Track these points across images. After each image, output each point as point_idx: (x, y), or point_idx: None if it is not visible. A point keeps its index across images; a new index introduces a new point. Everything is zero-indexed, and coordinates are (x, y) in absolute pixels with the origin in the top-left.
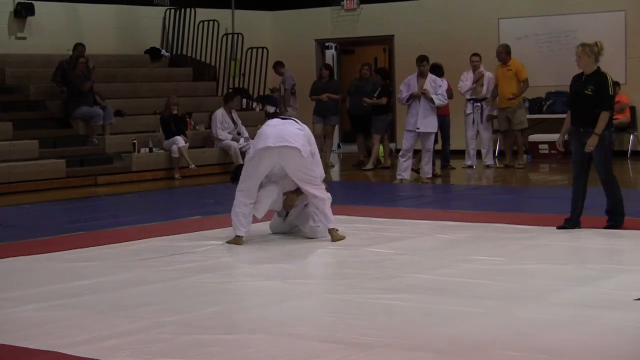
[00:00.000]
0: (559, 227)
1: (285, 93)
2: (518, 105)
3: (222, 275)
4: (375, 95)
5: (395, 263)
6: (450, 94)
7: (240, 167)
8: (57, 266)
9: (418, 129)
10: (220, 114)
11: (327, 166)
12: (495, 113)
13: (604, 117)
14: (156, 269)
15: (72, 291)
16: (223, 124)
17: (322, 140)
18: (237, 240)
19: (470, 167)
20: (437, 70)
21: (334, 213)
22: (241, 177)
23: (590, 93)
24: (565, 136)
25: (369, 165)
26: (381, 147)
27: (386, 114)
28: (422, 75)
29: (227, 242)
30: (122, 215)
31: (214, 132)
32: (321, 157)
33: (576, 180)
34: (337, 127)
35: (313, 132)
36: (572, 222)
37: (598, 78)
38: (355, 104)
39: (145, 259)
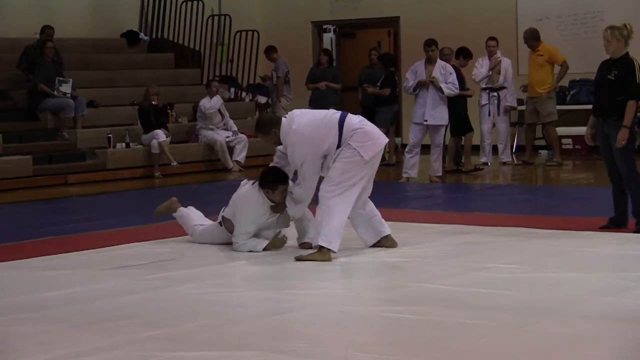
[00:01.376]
0: (602, 228)
1: (278, 81)
2: (548, 95)
3: (208, 285)
4: (378, 84)
5: (402, 271)
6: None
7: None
8: (24, 275)
9: (426, 121)
10: (206, 101)
11: None
12: (514, 104)
13: (631, 106)
14: (135, 278)
15: (41, 303)
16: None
17: None
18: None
19: (486, 164)
20: (466, 53)
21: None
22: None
23: (612, 78)
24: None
25: None
26: None
27: (390, 105)
28: (430, 62)
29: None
30: (96, 218)
31: (201, 116)
32: None
33: (610, 176)
34: None
35: None
36: (615, 221)
37: (625, 63)
38: (368, 94)
39: (122, 267)
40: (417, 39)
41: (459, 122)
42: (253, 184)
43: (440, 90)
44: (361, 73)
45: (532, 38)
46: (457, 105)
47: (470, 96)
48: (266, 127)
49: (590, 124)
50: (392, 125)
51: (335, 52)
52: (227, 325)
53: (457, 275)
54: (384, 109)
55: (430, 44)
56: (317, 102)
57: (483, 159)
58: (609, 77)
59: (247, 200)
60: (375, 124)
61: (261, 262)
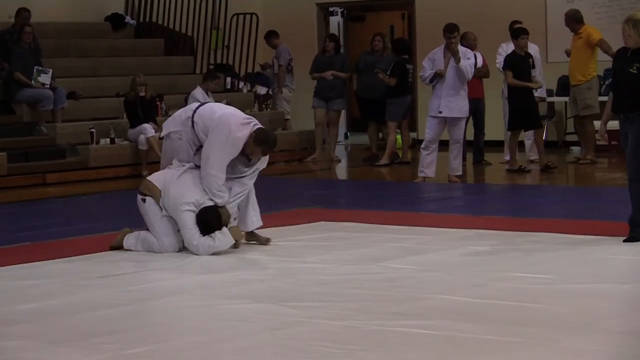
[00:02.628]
0: (626, 240)
1: (279, 70)
2: (587, 84)
3: (201, 297)
4: (388, 73)
5: (416, 281)
6: (486, 72)
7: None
8: None
9: (440, 112)
10: (200, 93)
11: None
12: (544, 95)
13: None
14: (119, 289)
15: (15, 317)
16: None
17: (325, 129)
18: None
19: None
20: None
21: (340, 218)
22: None
23: (635, 72)
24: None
25: (384, 160)
26: (398, 138)
27: (403, 97)
28: (450, 49)
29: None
30: (77, 222)
31: None
32: (323, 149)
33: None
34: (343, 112)
35: (314, 117)
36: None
37: None
38: (365, 84)
39: (105, 277)
40: (435, 23)
41: (522, 114)
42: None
43: (457, 61)
44: (358, 60)
45: (573, 20)
46: (518, 96)
47: (535, 88)
48: None
49: (605, 120)
50: (404, 118)
51: (343, 37)
52: (222, 342)
53: (478, 286)
54: (394, 101)
55: (452, 30)
56: (322, 93)
57: (507, 157)
58: (631, 70)
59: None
60: (387, 117)
61: (259, 274)
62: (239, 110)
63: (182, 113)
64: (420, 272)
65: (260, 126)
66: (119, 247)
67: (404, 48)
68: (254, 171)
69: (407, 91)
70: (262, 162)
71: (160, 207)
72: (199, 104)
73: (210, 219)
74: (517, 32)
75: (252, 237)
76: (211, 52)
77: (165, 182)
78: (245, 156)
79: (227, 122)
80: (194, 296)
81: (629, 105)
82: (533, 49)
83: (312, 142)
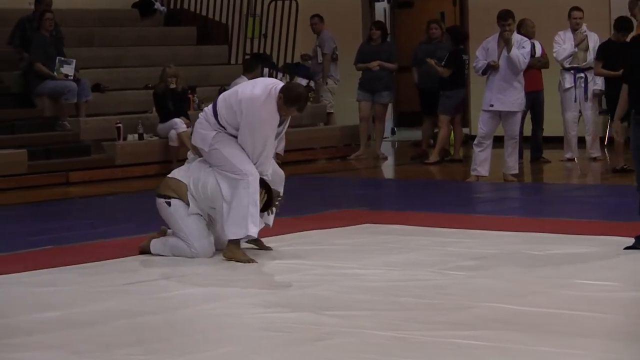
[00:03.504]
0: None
1: (324, 59)
2: None
3: (235, 305)
4: (442, 63)
5: (468, 289)
6: (546, 62)
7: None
8: (17, 292)
9: (492, 106)
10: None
11: None
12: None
13: None
14: (147, 297)
15: (36, 326)
16: None
17: (370, 124)
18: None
19: (571, 160)
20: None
21: (386, 220)
22: None
23: None
24: None
25: (434, 157)
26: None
27: (457, 90)
28: (503, 38)
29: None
30: (102, 225)
31: None
32: (368, 145)
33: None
34: (390, 106)
35: (359, 111)
36: None
37: None
38: (425, 75)
39: (132, 283)
40: (489, 9)
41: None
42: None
43: (509, 50)
44: (416, 50)
45: (637, 6)
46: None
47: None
48: None
49: (619, 115)
50: (457, 113)
51: (390, 25)
52: (259, 354)
53: (535, 293)
54: (449, 94)
55: (505, 16)
56: (368, 85)
57: (568, 154)
58: None
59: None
60: (439, 111)
61: (295, 280)
62: (250, 83)
63: (202, 122)
64: (472, 278)
65: (279, 84)
66: (146, 252)
67: (461, 37)
68: (283, 127)
69: (462, 84)
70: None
71: (188, 204)
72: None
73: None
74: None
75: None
76: (247, 41)
77: (190, 174)
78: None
79: (256, 109)
80: (227, 304)
81: None
82: (593, 37)
83: (356, 137)
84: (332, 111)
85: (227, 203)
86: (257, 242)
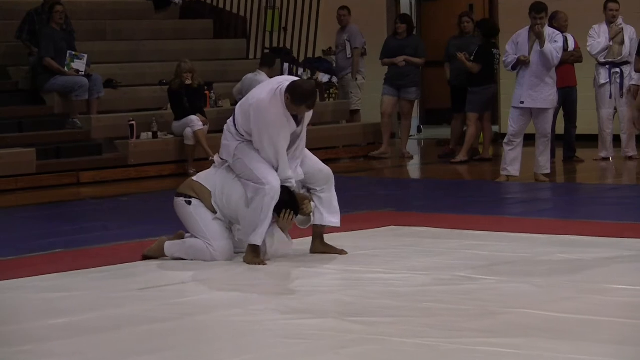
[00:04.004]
0: None
1: (354, 54)
2: None
3: (254, 311)
4: (471, 58)
5: (498, 294)
6: (579, 56)
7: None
8: (25, 298)
9: (522, 103)
10: (253, 78)
11: None
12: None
13: None
14: (162, 302)
15: (46, 333)
16: None
17: (394, 121)
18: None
19: (606, 159)
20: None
21: (412, 222)
22: None
23: None
24: None
25: (462, 156)
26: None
27: (485, 86)
28: (534, 31)
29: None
30: (114, 227)
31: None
32: (392, 144)
33: None
34: (416, 103)
35: (381, 107)
36: None
37: None
38: (458, 71)
39: (146, 288)
40: (520, 1)
41: None
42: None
43: (542, 44)
44: (448, 45)
45: None
46: None
47: None
48: None
49: (638, 104)
50: (486, 110)
51: (416, 18)
52: None
53: (567, 299)
54: (477, 90)
55: (539, 9)
56: (394, 81)
57: (603, 153)
58: None
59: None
60: (467, 108)
61: (317, 284)
62: (261, 85)
63: (225, 133)
64: (501, 283)
65: (285, 84)
66: (151, 257)
67: (492, 30)
68: (302, 127)
69: (492, 80)
70: (307, 115)
71: (213, 211)
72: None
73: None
74: None
75: (324, 247)
76: (266, 35)
77: (216, 181)
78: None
79: (261, 112)
80: (245, 310)
81: None
82: (629, 31)
83: (379, 135)
84: (359, 108)
85: (248, 209)
86: (328, 248)
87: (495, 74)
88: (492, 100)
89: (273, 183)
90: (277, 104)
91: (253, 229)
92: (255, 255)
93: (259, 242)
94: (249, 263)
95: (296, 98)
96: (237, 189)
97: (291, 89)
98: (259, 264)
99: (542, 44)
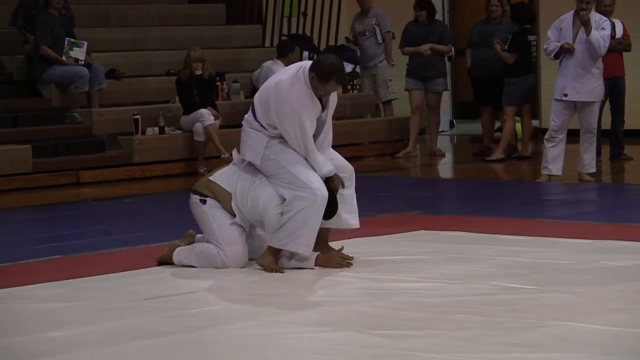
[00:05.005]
0: None
1: (386, 38)
2: None
3: (269, 323)
4: (506, 47)
5: (539, 305)
6: (628, 44)
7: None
8: (20, 308)
9: (566, 95)
10: (272, 65)
11: None
12: None
13: None
14: (169, 314)
15: (42, 346)
16: None
17: (423, 115)
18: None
19: None
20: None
21: (443, 226)
22: None
23: None
24: None
25: (498, 154)
26: (518, 126)
27: (524, 76)
28: (580, 18)
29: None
30: (118, 231)
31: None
32: (422, 140)
33: None
34: (448, 95)
35: (410, 102)
36: None
37: None
38: (478, 60)
39: (152, 298)
40: None
41: None
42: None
43: (588, 32)
44: (472, 30)
45: None
46: None
47: None
48: None
49: None
50: (525, 103)
51: (447, 2)
52: None
53: (616, 311)
54: (513, 81)
55: None
56: (418, 72)
57: None
58: None
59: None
60: (504, 102)
61: (337, 294)
62: (280, 71)
63: (247, 130)
64: (542, 293)
65: (308, 64)
66: (166, 263)
67: (526, 16)
68: (327, 113)
69: (529, 69)
70: (332, 99)
71: (231, 214)
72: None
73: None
74: None
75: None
76: (284, 21)
77: (237, 182)
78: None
79: (282, 95)
80: (260, 322)
81: None
82: None
83: (406, 131)
84: (398, 97)
85: (284, 213)
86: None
87: (532, 62)
88: (530, 92)
89: (322, 189)
90: (300, 86)
91: (291, 237)
92: (274, 260)
93: (307, 253)
94: (265, 267)
95: (322, 74)
96: (265, 190)
97: (315, 66)
98: (277, 271)
99: (588, 32)
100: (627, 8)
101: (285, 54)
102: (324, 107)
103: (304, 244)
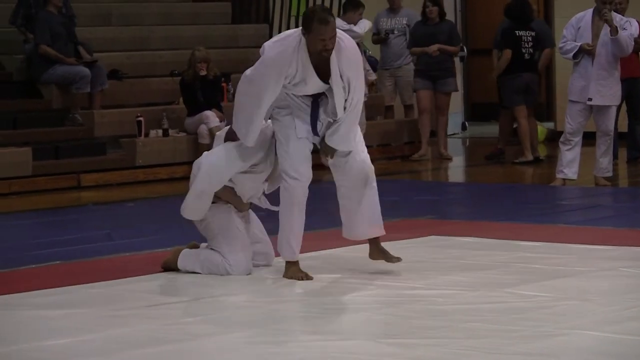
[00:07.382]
0: None
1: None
2: None
3: (276, 332)
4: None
5: (554, 313)
6: None
7: None
8: (20, 316)
9: (590, 100)
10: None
11: None
12: None
13: None
14: (171, 322)
15: (41, 355)
16: None
17: (433, 117)
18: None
19: None
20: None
21: (456, 232)
22: None
23: None
24: None
25: (526, 156)
26: (540, 129)
27: (511, 75)
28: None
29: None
30: (120, 236)
31: None
32: (434, 142)
33: None
34: (459, 97)
35: (418, 102)
36: None
37: None
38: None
39: (154, 305)
40: None
41: None
42: None
43: (613, 32)
44: (499, 30)
45: None
46: None
47: None
48: None
49: None
50: (523, 103)
51: (460, 1)
52: None
53: (631, 319)
54: (503, 79)
55: None
56: (427, 72)
57: None
58: None
59: None
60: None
61: (348, 300)
62: None
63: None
64: (557, 301)
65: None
66: (171, 268)
67: (521, 17)
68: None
69: (520, 68)
70: (347, 64)
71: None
72: None
73: None
74: None
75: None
76: (291, 20)
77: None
78: (317, 71)
79: (262, 52)
80: (267, 330)
81: None
82: None
83: (416, 133)
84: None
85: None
86: (385, 255)
87: (525, 60)
88: (528, 92)
89: (302, 177)
90: (286, 46)
91: (284, 238)
92: (297, 268)
93: (293, 258)
94: (294, 278)
95: (307, 22)
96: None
97: (302, 22)
98: (303, 279)
99: (613, 31)
100: (637, 7)
101: (347, 12)
102: (327, 76)
103: (287, 245)
